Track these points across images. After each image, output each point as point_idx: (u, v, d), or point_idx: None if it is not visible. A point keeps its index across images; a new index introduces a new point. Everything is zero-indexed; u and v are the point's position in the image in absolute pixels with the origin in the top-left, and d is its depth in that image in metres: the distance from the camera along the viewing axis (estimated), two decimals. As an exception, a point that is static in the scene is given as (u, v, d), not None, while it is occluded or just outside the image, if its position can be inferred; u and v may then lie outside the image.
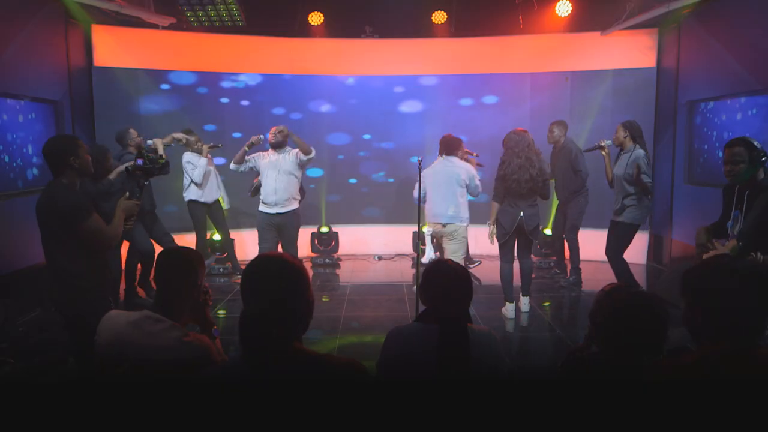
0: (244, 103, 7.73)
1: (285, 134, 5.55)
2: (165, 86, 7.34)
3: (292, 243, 5.55)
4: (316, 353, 1.52)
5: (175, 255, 2.27)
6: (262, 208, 5.50)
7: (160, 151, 5.66)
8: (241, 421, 1.42)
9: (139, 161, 3.40)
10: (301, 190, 5.92)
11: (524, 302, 5.48)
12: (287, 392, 1.42)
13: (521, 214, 5.08)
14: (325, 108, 7.95)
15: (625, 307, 2.19)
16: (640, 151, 5.18)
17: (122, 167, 3.68)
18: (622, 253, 5.37)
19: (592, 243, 6.80)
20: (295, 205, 5.56)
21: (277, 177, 5.42)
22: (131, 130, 5.86)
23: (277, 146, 5.52)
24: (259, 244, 5.52)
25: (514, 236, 5.22)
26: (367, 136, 8.07)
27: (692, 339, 1.64)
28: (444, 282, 2.32)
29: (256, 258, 1.63)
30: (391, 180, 8.13)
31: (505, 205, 5.14)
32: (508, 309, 5.39)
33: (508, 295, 5.38)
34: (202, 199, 6.48)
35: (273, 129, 5.59)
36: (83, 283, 2.98)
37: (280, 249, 5.49)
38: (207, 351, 2.10)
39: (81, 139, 3.11)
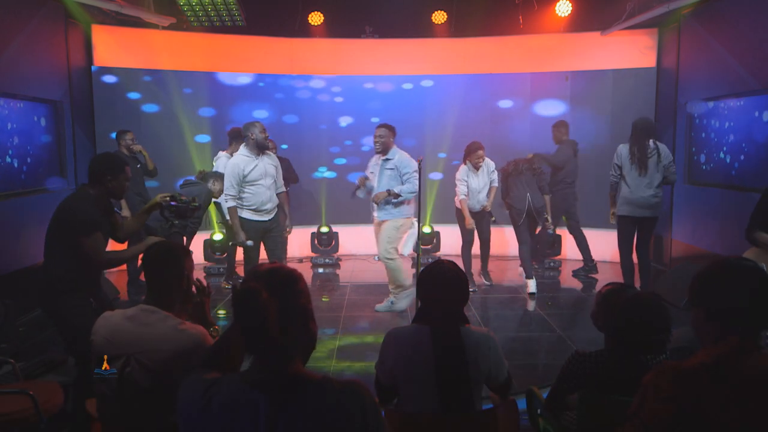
0: (245, 102, 7.73)
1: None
2: (165, 86, 7.33)
3: (282, 246, 5.28)
4: (320, 376, 1.42)
5: (160, 248, 2.36)
6: (252, 216, 4.99)
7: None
8: None
9: (173, 203, 3.51)
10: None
11: (531, 284, 6.12)
12: (296, 419, 1.35)
13: (528, 195, 5.96)
14: (322, 108, 7.94)
15: (629, 307, 2.23)
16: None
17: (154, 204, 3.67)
18: (620, 244, 5.62)
19: (595, 242, 6.81)
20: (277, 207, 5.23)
21: (270, 184, 5.05)
22: (128, 134, 6.17)
23: (264, 148, 5.05)
24: (248, 252, 5.11)
25: (527, 219, 6.05)
26: (368, 137, 8.07)
27: (697, 340, 1.63)
28: (438, 282, 2.32)
29: (249, 275, 1.49)
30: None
31: (516, 193, 6.06)
32: (530, 285, 6.13)
33: (528, 273, 6.13)
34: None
35: (261, 126, 5.00)
36: (65, 284, 3.08)
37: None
38: (203, 338, 2.17)
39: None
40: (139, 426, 2.16)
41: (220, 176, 5.48)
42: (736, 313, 1.55)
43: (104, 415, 2.22)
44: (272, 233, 5.13)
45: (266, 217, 5.05)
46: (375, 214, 5.55)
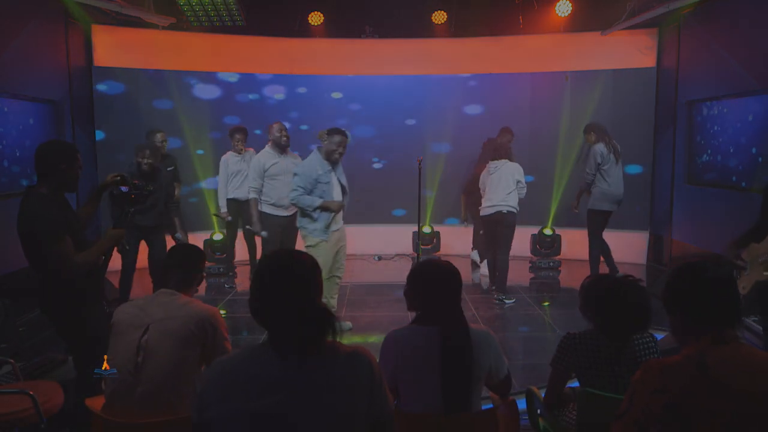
0: (246, 103, 7.73)
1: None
2: (165, 86, 7.33)
3: (293, 242, 5.63)
4: (327, 341, 1.57)
5: (189, 248, 2.70)
6: (272, 210, 5.46)
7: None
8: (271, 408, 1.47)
9: (124, 188, 3.17)
10: None
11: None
12: (311, 379, 1.50)
13: None
14: (320, 109, 7.94)
15: (611, 291, 2.30)
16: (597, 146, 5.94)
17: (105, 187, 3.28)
18: (595, 235, 5.99)
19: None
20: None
21: (289, 182, 5.20)
22: (158, 134, 5.89)
23: (279, 146, 5.45)
24: (265, 245, 5.50)
25: None
26: (367, 136, 8.07)
27: (679, 347, 1.71)
28: (439, 281, 2.31)
29: (273, 255, 1.62)
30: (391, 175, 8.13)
31: None
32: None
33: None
34: (231, 195, 6.47)
35: (278, 126, 5.45)
36: (73, 293, 2.90)
37: None
38: (216, 313, 2.42)
39: (76, 142, 3.02)
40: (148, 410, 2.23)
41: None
42: (710, 314, 1.63)
43: (113, 402, 2.28)
44: (287, 230, 5.53)
45: (284, 213, 5.47)
46: (339, 225, 4.90)
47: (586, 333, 2.41)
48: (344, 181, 4.88)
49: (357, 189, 8.07)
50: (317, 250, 4.69)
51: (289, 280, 1.54)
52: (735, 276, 3.62)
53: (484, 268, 6.88)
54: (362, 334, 5.04)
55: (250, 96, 7.76)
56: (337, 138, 4.68)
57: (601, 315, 2.36)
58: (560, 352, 2.46)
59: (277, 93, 7.86)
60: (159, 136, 5.93)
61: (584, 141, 6.20)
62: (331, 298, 4.95)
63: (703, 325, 1.63)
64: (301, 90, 7.91)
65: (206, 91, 7.58)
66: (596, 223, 5.92)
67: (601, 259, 6.01)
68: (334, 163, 4.74)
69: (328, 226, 4.72)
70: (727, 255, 3.60)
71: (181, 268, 2.52)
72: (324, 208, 4.67)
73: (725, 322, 1.63)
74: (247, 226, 5.50)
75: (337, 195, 4.76)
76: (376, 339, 4.78)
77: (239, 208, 6.42)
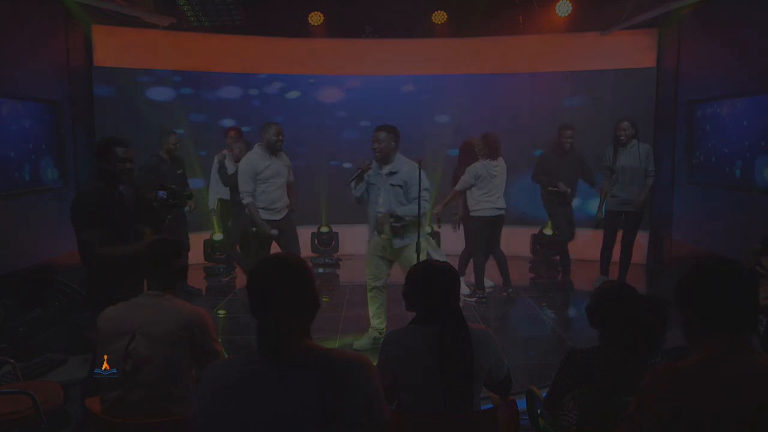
0: (245, 103, 7.73)
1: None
2: (165, 86, 7.33)
3: (295, 242, 5.40)
4: (326, 348, 1.54)
5: (171, 243, 2.53)
6: (263, 214, 5.13)
7: None
8: (259, 416, 1.44)
9: (162, 193, 3.13)
10: None
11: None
12: (304, 387, 1.45)
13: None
14: (318, 111, 7.93)
15: (632, 307, 2.24)
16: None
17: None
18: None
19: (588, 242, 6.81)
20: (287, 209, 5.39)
21: (282, 184, 5.22)
22: (171, 136, 5.83)
23: (274, 150, 5.14)
24: (261, 249, 5.31)
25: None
26: (366, 137, 8.07)
27: (690, 346, 1.65)
28: (439, 281, 2.31)
29: (262, 262, 1.60)
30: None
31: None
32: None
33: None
34: (226, 197, 6.50)
35: (277, 129, 5.12)
36: (113, 288, 2.96)
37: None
38: (203, 314, 2.39)
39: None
40: (142, 408, 2.22)
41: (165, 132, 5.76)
42: (723, 314, 1.57)
43: (109, 405, 2.26)
44: (285, 232, 5.27)
45: (277, 216, 5.21)
46: (392, 240, 4.79)
47: (593, 351, 2.30)
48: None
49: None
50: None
51: (268, 286, 1.52)
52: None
53: (464, 288, 5.92)
54: (363, 334, 5.04)
55: (250, 94, 7.77)
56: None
57: (612, 326, 2.27)
58: (564, 372, 2.34)
59: (275, 92, 7.86)
60: (173, 138, 5.84)
61: (631, 137, 5.74)
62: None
63: (717, 327, 1.57)
64: (300, 90, 7.92)
65: (206, 91, 7.58)
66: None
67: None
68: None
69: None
70: (745, 263, 3.54)
71: (161, 267, 2.43)
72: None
73: (741, 325, 1.57)
74: (254, 229, 5.28)
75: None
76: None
77: (227, 208, 6.52)
